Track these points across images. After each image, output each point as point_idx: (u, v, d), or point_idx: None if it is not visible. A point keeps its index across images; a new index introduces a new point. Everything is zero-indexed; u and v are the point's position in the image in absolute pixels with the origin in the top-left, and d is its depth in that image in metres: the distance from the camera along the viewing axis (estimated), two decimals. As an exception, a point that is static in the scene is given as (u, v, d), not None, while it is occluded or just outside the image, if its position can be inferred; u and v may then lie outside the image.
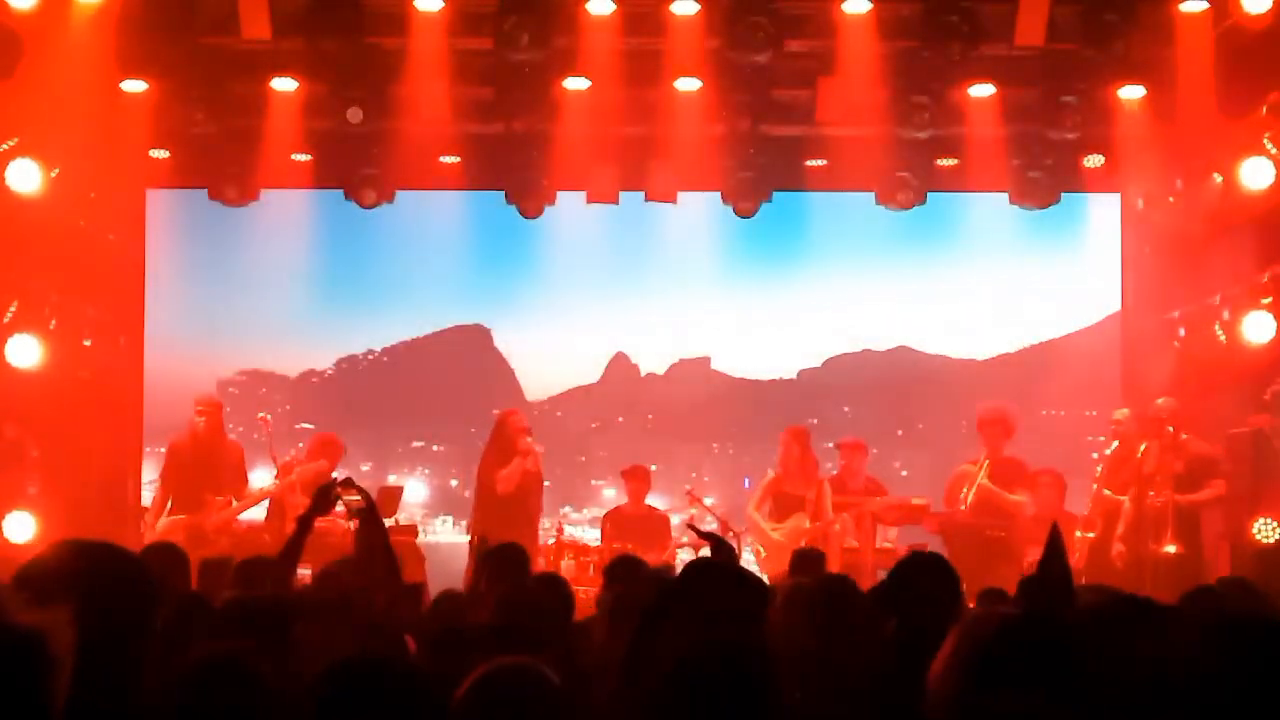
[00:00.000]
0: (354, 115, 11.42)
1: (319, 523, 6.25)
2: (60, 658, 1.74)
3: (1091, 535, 11.44)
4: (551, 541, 12.33)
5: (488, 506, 11.89)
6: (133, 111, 11.38)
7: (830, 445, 13.17)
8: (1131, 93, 11.50)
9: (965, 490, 11.94)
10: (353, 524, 6.38)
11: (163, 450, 12.18)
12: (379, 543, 6.20)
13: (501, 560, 7.05)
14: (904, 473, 17.13)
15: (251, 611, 4.61)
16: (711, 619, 4.14)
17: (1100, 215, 13.74)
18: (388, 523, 12.32)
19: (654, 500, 12.88)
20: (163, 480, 11.84)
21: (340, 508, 6.24)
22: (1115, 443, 11.75)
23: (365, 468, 17.66)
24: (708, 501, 12.88)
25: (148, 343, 13.24)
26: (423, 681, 3.11)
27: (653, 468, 13.18)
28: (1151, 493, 11.07)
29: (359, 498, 6.15)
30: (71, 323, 11.53)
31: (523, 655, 3.59)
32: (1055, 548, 5.09)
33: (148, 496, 12.40)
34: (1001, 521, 11.74)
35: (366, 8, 10.82)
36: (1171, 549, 10.79)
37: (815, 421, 16.62)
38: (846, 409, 17.89)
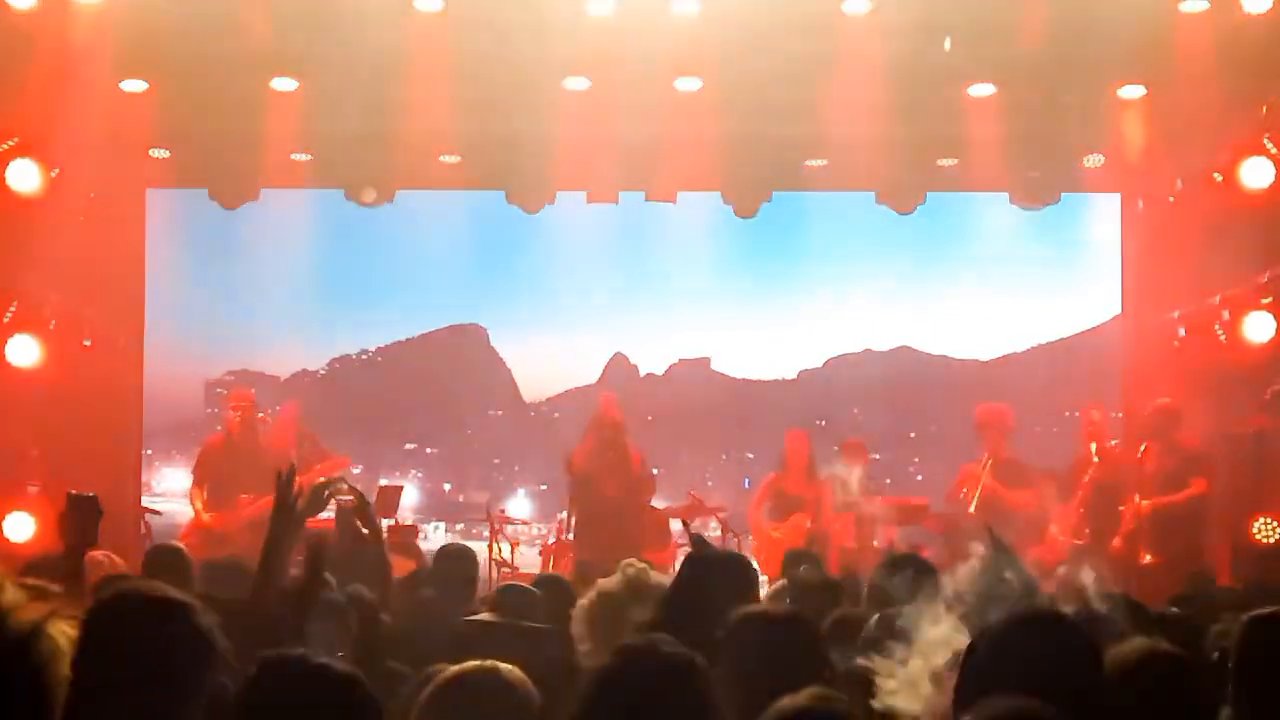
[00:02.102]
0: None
1: (318, 523, 6.26)
2: (60, 652, 1.71)
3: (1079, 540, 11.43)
4: (551, 541, 12.33)
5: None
6: (133, 111, 11.38)
7: (836, 449, 13.17)
8: (1131, 93, 11.51)
9: (966, 491, 11.93)
10: (335, 514, 6.39)
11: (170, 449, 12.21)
12: (370, 540, 6.21)
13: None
14: (919, 477, 17.10)
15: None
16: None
17: (1100, 215, 13.73)
18: (387, 523, 12.38)
19: (655, 501, 12.86)
20: (195, 478, 11.89)
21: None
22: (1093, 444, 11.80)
23: (356, 470, 17.64)
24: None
25: (148, 343, 13.24)
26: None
27: (654, 470, 13.15)
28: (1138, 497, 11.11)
29: (350, 496, 6.16)
30: (71, 323, 11.53)
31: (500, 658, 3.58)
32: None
33: (147, 498, 12.41)
34: (1003, 522, 11.73)
35: (366, 8, 10.80)
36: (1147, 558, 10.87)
37: (823, 423, 16.62)
38: (856, 410, 17.87)
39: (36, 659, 1.66)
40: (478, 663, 3.51)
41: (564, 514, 12.71)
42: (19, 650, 1.66)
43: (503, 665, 3.51)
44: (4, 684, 1.63)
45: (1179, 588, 7.58)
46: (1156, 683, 3.44)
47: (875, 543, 12.20)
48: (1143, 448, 11.27)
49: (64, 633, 1.70)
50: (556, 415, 17.88)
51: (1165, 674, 3.48)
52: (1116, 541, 11.16)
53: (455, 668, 3.51)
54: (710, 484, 16.89)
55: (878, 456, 15.70)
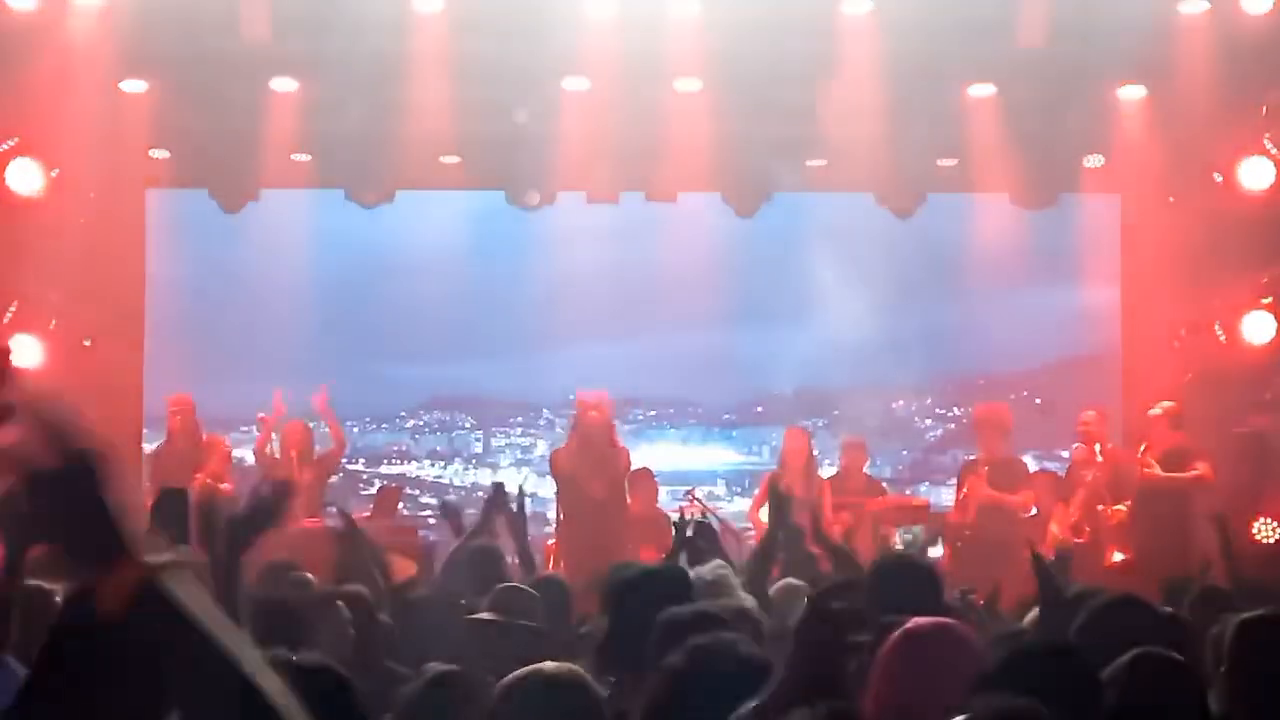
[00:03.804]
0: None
1: (318, 523, 6.31)
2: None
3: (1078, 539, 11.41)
4: (551, 543, 12.31)
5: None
6: (133, 111, 11.39)
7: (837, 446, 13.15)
8: (1131, 93, 11.51)
9: (965, 491, 11.90)
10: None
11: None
12: (362, 560, 6.27)
13: None
14: (924, 486, 17.05)
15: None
16: None
17: (1100, 215, 13.72)
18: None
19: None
20: (149, 489, 11.83)
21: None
22: (1081, 445, 11.79)
23: (355, 467, 17.63)
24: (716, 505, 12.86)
25: (147, 343, 13.23)
26: None
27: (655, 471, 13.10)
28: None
29: (337, 518, 6.26)
30: (71, 323, 11.53)
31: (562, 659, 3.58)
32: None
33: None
34: (1003, 523, 11.70)
35: (366, 8, 10.81)
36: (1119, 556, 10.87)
37: (823, 423, 16.58)
38: (857, 410, 17.85)
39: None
40: (555, 665, 3.51)
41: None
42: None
43: (576, 668, 3.51)
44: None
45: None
46: (1151, 686, 3.43)
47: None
48: (1143, 448, 11.27)
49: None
50: (556, 416, 17.80)
51: (1160, 677, 3.47)
52: (1111, 545, 11.15)
53: (527, 669, 3.51)
54: (714, 486, 16.90)
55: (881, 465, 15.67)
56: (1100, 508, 11.26)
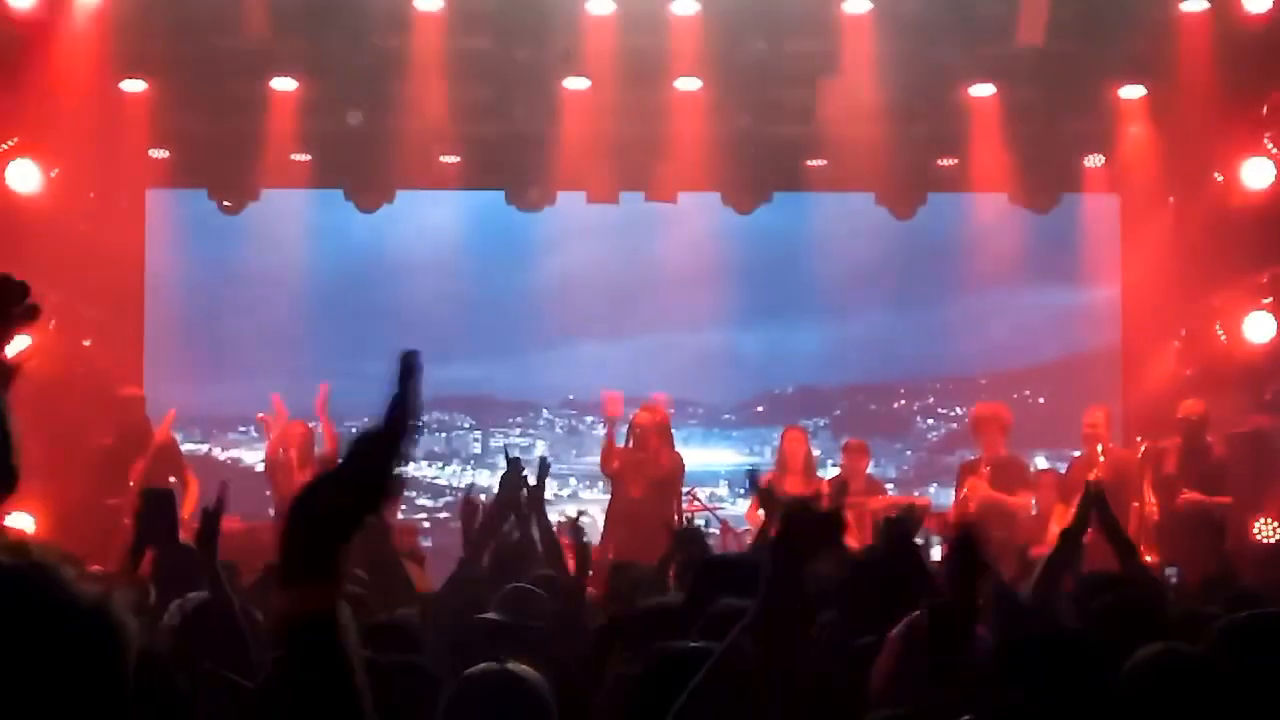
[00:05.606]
0: (354, 118, 11.45)
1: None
2: (129, 630, 1.62)
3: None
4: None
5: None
6: (133, 111, 11.39)
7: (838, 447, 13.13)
8: (1131, 93, 11.51)
9: (965, 490, 11.89)
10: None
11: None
12: (388, 553, 6.28)
13: None
14: (932, 488, 17.06)
15: None
16: None
17: (1100, 215, 13.73)
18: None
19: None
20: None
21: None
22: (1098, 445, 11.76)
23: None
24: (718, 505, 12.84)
25: (147, 343, 13.22)
26: None
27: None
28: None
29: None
30: (71, 323, 11.52)
31: (516, 658, 3.58)
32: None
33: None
34: (1003, 522, 11.70)
35: (366, 8, 10.82)
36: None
37: (824, 423, 16.58)
38: (857, 409, 17.85)
39: (113, 627, 1.58)
40: (493, 664, 3.50)
41: (564, 515, 12.66)
42: (97, 618, 1.57)
43: (518, 665, 3.50)
44: (85, 653, 1.54)
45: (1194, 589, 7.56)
46: (1175, 684, 3.42)
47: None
48: (1143, 448, 11.24)
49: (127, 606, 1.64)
50: (556, 416, 17.80)
51: (1184, 674, 3.46)
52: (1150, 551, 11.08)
53: (472, 669, 3.51)
54: (716, 486, 16.88)
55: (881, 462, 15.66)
56: (1137, 504, 11.13)
